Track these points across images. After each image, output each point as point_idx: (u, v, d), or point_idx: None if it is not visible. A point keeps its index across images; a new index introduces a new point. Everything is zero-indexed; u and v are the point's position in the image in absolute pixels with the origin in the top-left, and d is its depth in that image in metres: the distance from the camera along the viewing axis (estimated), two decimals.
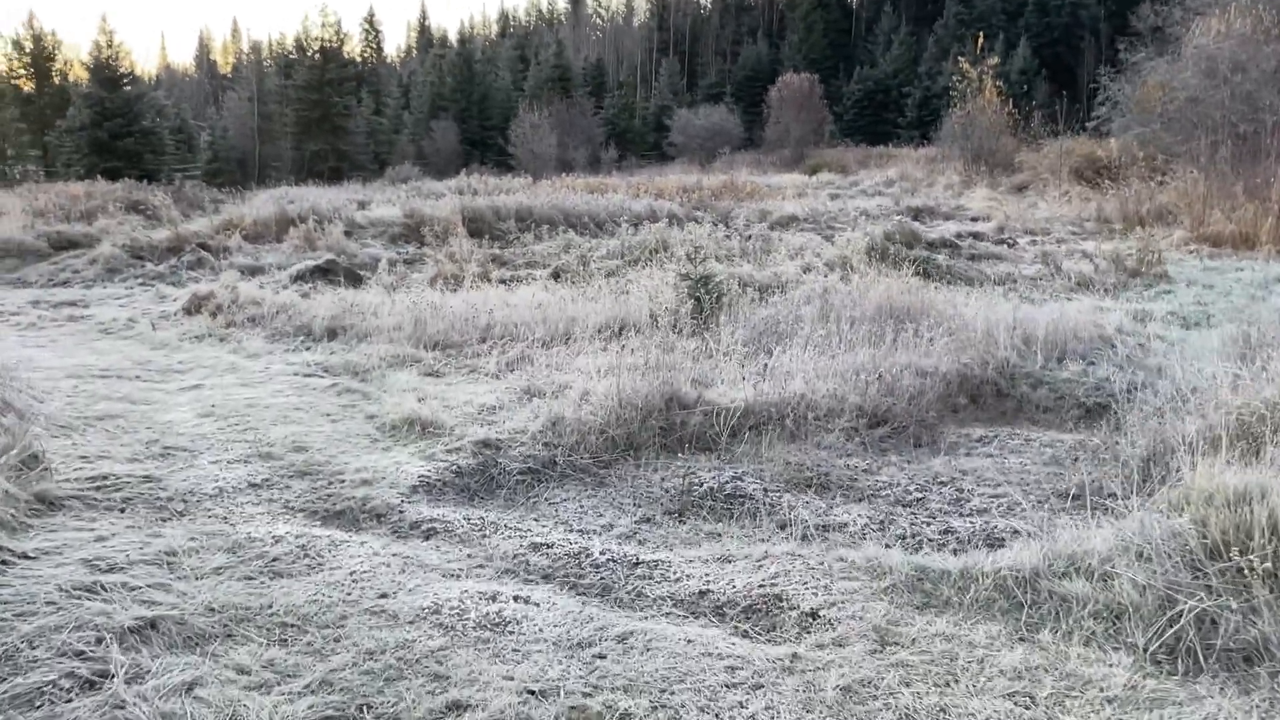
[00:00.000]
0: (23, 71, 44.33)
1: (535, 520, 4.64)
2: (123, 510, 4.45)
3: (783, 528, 4.52)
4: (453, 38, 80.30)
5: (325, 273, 13.68)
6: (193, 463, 5.28)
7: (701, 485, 5.03)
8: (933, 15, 64.64)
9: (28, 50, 44.05)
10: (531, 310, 9.22)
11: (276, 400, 6.79)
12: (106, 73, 39.13)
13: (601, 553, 4.13)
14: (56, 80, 44.17)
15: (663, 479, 5.19)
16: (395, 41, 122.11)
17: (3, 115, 41.64)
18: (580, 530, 4.51)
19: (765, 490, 4.97)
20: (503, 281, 12.31)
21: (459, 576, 3.86)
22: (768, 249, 14.61)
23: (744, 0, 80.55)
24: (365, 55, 70.17)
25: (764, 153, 48.09)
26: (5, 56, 44.32)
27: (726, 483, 5.07)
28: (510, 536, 4.35)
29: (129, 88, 40.48)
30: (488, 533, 4.41)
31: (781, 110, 48.14)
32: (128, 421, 6.12)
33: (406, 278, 12.87)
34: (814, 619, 3.44)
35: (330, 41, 46.90)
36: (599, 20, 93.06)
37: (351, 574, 3.81)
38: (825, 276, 10.94)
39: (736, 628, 3.44)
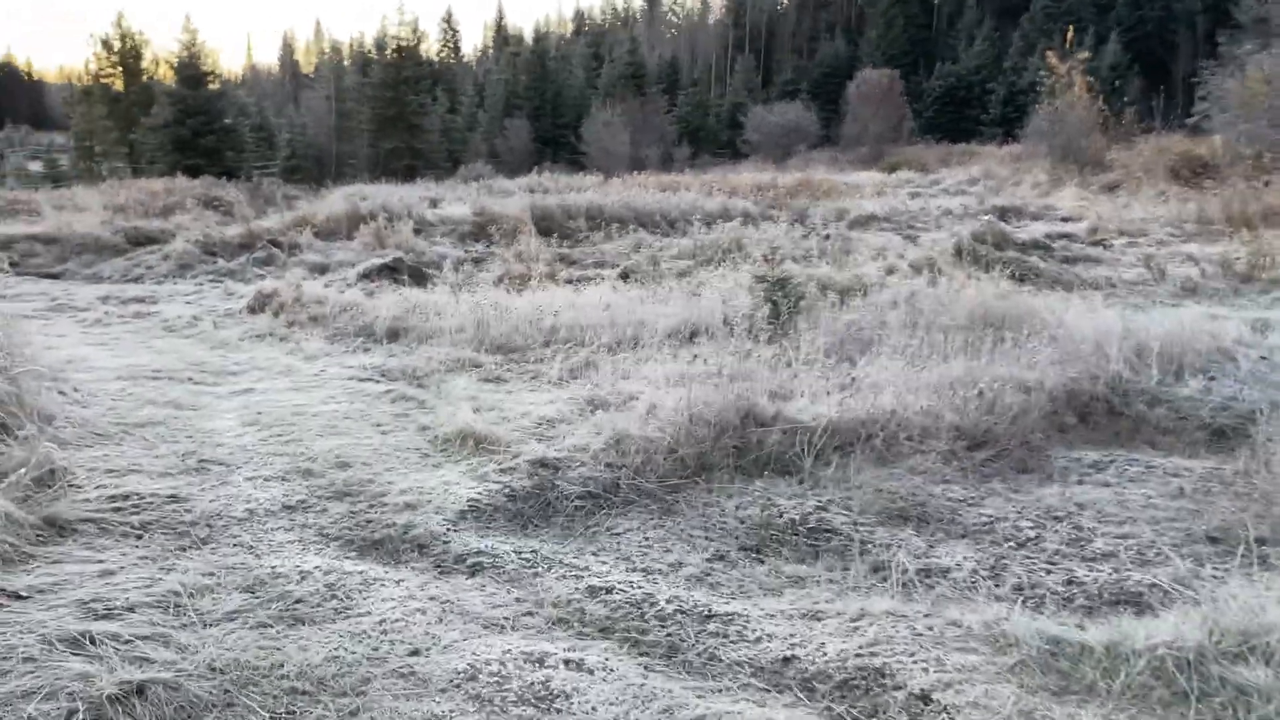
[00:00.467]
0: (111, 71, 45.26)
1: (594, 555, 4.11)
2: (139, 537, 4.01)
3: (877, 570, 3.93)
4: (528, 36, 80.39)
5: (392, 271, 13.38)
6: (227, 479, 4.86)
7: (782, 516, 4.46)
8: (1018, 9, 62.56)
9: (115, 50, 44.97)
10: (599, 312, 8.74)
11: (326, 408, 6.39)
12: (189, 71, 39.70)
13: (668, 601, 3.58)
14: (145, 79, 44.95)
15: (738, 507, 4.63)
16: (472, 41, 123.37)
17: (91, 113, 42.57)
18: (644, 570, 3.96)
19: (855, 524, 4.39)
20: (570, 281, 11.90)
21: (503, 629, 3.34)
22: (847, 249, 13.96)
23: None
24: (442, 55, 70.57)
25: (841, 150, 46.97)
26: (96, 56, 45.36)
27: (810, 514, 4.49)
28: (565, 576, 3.81)
29: (212, 86, 41.03)
30: (540, 570, 3.89)
31: (859, 107, 46.94)
32: (168, 429, 5.76)
33: (473, 277, 12.51)
34: (926, 703, 2.83)
35: (407, 40, 47.04)
36: (674, 18, 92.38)
37: (381, 622, 3.31)
38: (910, 279, 10.29)
39: (830, 710, 2.85)
